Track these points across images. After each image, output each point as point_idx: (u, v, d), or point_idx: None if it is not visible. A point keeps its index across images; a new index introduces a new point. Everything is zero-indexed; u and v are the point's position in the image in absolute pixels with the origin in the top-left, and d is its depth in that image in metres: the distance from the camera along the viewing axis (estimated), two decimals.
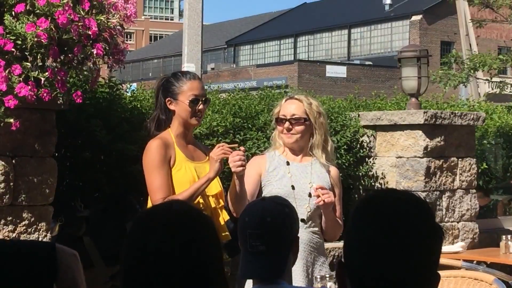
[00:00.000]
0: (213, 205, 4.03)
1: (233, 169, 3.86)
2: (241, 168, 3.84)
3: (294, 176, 4.19)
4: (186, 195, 3.85)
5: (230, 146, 3.95)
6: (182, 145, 4.05)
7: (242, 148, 3.93)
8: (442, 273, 4.42)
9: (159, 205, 2.08)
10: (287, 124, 4.22)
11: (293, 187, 4.15)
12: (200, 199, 3.96)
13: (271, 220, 2.86)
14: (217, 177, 4.07)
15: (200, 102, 4.04)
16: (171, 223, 1.98)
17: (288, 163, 4.23)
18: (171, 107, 4.05)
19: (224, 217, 4.10)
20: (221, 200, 4.10)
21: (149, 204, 3.97)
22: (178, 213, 2.01)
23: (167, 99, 4.05)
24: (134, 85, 7.06)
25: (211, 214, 3.98)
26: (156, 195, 3.89)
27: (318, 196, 4.03)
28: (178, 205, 2.04)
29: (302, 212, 4.01)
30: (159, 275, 1.93)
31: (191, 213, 2.03)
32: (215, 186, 4.07)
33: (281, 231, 2.86)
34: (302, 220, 3.97)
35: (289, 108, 4.25)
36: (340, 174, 6.14)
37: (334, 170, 4.36)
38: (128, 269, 1.98)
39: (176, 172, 3.98)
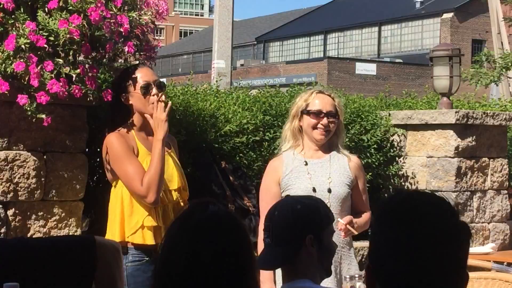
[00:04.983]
0: (175, 199, 3.97)
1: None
2: None
3: (314, 176, 4.10)
4: (153, 170, 3.80)
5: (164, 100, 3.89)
6: (142, 137, 3.98)
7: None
8: (472, 274, 4.38)
9: (194, 207, 2.08)
10: (325, 120, 4.11)
11: (314, 190, 4.05)
12: (161, 194, 3.89)
13: (278, 214, 2.90)
14: (180, 171, 4.01)
15: (153, 86, 3.97)
16: (205, 225, 1.99)
17: (306, 163, 4.14)
18: (128, 102, 3.97)
19: None
20: (184, 194, 4.03)
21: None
22: (212, 216, 2.02)
23: (122, 95, 3.98)
24: (164, 80, 7.06)
25: (174, 209, 3.93)
26: (134, 182, 3.82)
27: (342, 229, 4.00)
28: (213, 208, 2.04)
29: None
30: (191, 275, 1.93)
31: (225, 216, 2.04)
32: (177, 181, 3.99)
33: (284, 225, 2.86)
34: None
35: (324, 103, 4.14)
36: (370, 174, 6.16)
37: (354, 160, 4.24)
38: (161, 269, 1.99)
39: None
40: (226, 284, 1.93)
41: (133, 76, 3.99)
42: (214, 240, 1.95)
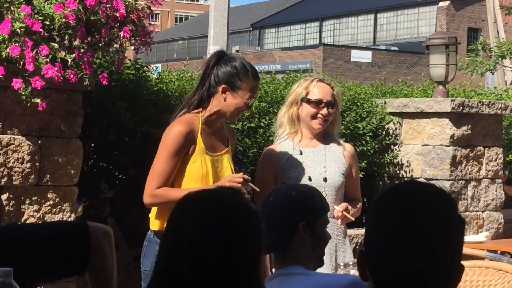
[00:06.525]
0: None
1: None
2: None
3: (309, 165, 4.10)
4: (172, 195, 3.65)
5: (252, 185, 3.77)
6: (207, 133, 3.82)
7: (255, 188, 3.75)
8: (465, 263, 4.36)
9: (205, 190, 2.06)
10: (325, 110, 4.09)
11: (310, 179, 4.05)
12: None
13: (272, 199, 2.90)
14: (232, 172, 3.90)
15: (251, 103, 3.84)
16: (212, 209, 1.97)
17: (301, 152, 4.12)
18: (224, 95, 3.79)
19: None
20: None
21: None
22: (221, 200, 2.00)
23: (222, 87, 3.78)
24: (159, 66, 7.02)
25: None
26: (151, 181, 3.73)
27: (339, 216, 4.00)
28: (223, 192, 2.03)
29: None
30: (193, 260, 1.92)
31: (234, 201, 2.02)
32: None
33: (278, 211, 2.86)
34: None
35: (324, 92, 4.12)
36: (365, 161, 6.17)
37: (349, 149, 4.25)
38: (164, 252, 1.98)
39: (191, 164, 3.77)
40: (227, 266, 1.91)
41: (249, 83, 3.79)
42: (218, 221, 1.93)
